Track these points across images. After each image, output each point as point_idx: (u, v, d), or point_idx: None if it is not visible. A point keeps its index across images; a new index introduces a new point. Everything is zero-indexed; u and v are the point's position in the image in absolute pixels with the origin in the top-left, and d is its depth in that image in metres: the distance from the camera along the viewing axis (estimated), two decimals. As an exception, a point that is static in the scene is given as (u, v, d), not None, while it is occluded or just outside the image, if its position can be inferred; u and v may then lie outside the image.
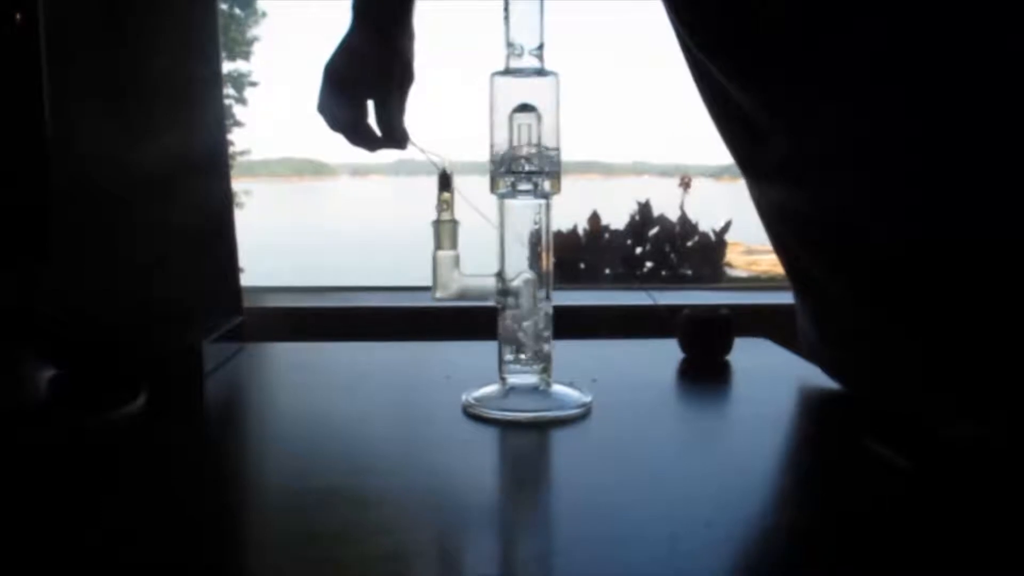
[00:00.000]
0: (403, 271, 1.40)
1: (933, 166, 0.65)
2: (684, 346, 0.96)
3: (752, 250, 1.91)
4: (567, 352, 0.78)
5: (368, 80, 0.81)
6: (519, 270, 0.74)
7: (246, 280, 1.10)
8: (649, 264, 1.63)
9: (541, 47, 0.72)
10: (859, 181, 0.69)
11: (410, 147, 0.82)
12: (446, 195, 0.75)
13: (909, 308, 0.70)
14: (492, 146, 0.74)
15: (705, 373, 0.92)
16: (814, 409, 0.84)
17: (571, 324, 0.82)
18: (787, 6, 0.68)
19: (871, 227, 0.70)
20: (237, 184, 1.13)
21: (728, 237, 1.66)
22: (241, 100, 1.76)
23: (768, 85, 0.72)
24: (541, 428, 0.72)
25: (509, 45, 0.72)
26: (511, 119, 0.72)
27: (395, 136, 0.82)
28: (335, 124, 0.83)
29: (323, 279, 1.39)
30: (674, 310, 0.98)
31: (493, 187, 0.74)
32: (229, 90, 1.69)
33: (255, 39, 1.80)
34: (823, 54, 0.67)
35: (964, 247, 0.65)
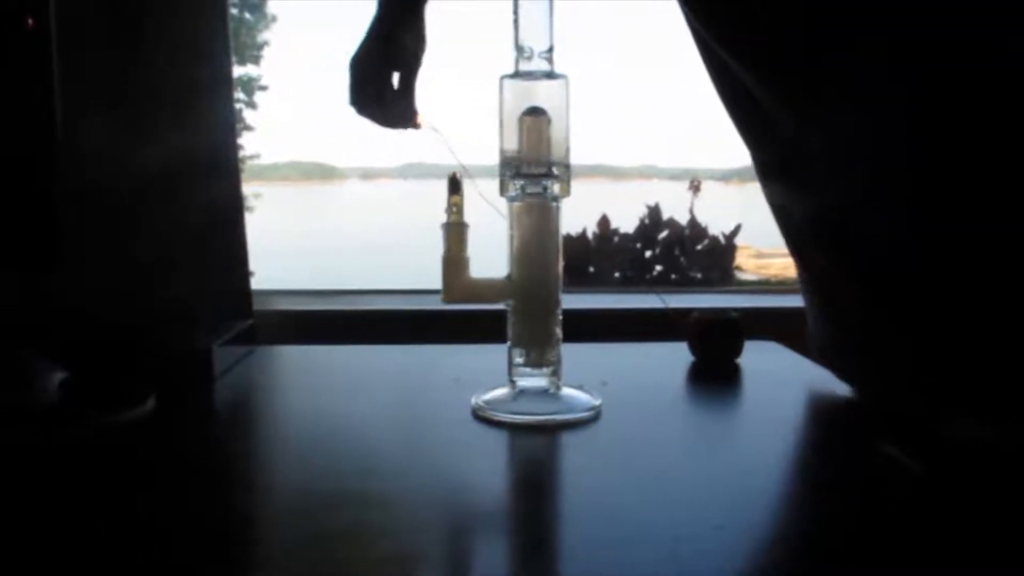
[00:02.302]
0: (413, 274, 1.40)
1: (935, 164, 0.65)
2: (693, 349, 0.96)
3: (762, 254, 1.91)
4: (576, 355, 0.78)
5: (388, 57, 0.84)
6: (528, 273, 0.74)
7: (256, 284, 1.10)
8: (658, 267, 1.63)
9: (550, 50, 0.72)
10: (865, 176, 0.69)
11: (429, 131, 0.83)
12: (456, 198, 0.75)
13: (904, 305, 0.70)
14: (501, 149, 0.74)
15: (714, 376, 0.92)
16: (824, 412, 0.84)
17: (581, 327, 0.82)
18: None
19: (873, 223, 0.70)
20: (247, 188, 1.13)
21: (738, 241, 1.66)
22: (251, 104, 1.77)
23: (780, 77, 0.72)
24: (550, 431, 0.72)
25: (518, 48, 0.72)
26: (520, 122, 0.72)
27: (407, 115, 0.84)
28: (363, 107, 0.85)
29: (333, 282, 1.39)
30: (683, 313, 0.97)
31: (502, 190, 0.74)
32: (239, 94, 1.69)
33: (265, 43, 1.81)
34: (827, 53, 0.68)
35: (962, 245, 0.65)
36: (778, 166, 0.78)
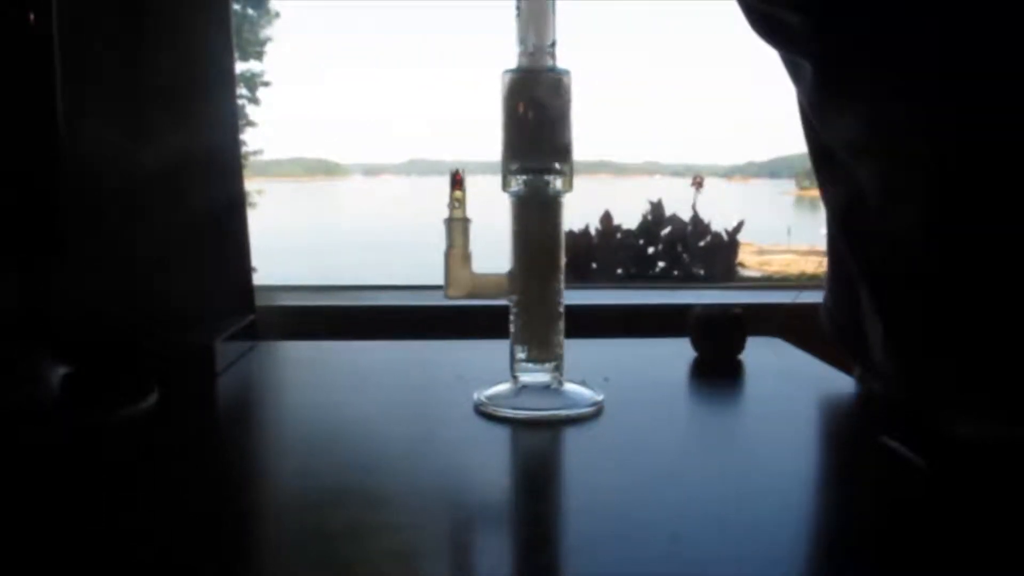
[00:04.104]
0: (416, 269, 1.40)
1: (948, 164, 0.65)
2: (696, 345, 0.95)
3: (764, 250, 1.90)
4: (579, 351, 0.78)
5: None
6: (531, 269, 0.74)
7: (258, 280, 1.10)
8: (661, 264, 1.63)
9: (553, 44, 0.72)
10: (880, 174, 0.69)
11: None
12: (458, 193, 0.75)
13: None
14: (504, 144, 0.73)
15: (717, 372, 0.92)
16: (828, 408, 0.84)
17: (583, 323, 0.82)
18: None
19: (883, 222, 0.70)
20: (249, 184, 1.13)
21: (740, 237, 1.65)
22: (254, 100, 1.76)
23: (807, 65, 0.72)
24: (553, 427, 0.72)
25: (521, 42, 0.72)
26: (523, 117, 0.72)
27: None
28: None
29: (335, 278, 1.39)
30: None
31: (505, 185, 0.74)
32: (242, 90, 1.69)
33: (268, 39, 1.81)
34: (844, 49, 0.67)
35: (973, 245, 0.65)
36: (818, 156, 0.78)
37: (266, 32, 1.81)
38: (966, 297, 0.66)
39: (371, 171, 2.32)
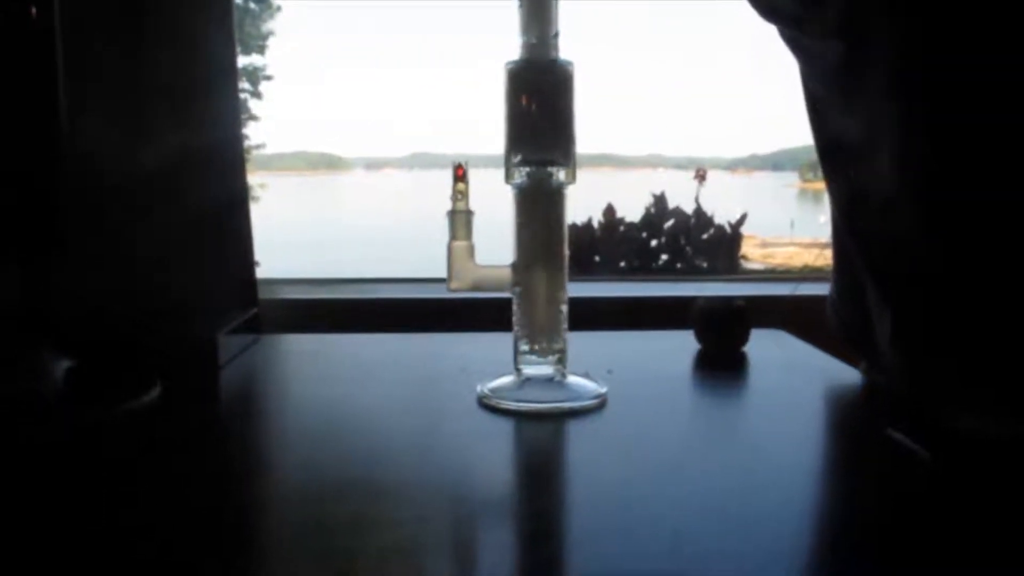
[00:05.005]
0: (419, 262, 1.40)
1: (945, 163, 0.65)
2: (699, 337, 0.95)
3: (767, 243, 1.90)
4: (582, 343, 0.78)
5: None
6: (534, 261, 0.74)
7: (261, 274, 1.10)
8: (664, 256, 1.63)
9: (556, 36, 0.72)
10: (888, 172, 0.69)
11: None
12: (461, 186, 0.75)
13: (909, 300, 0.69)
14: (507, 136, 0.73)
15: (721, 364, 0.92)
16: (832, 401, 0.84)
17: (586, 316, 0.82)
18: None
19: (885, 220, 0.70)
20: (252, 178, 1.13)
21: (743, 230, 1.65)
22: (256, 94, 1.76)
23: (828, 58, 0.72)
24: (556, 419, 0.72)
25: (524, 34, 0.72)
26: (526, 109, 0.72)
27: None
28: None
29: (338, 271, 1.39)
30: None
31: (507, 178, 0.74)
32: (244, 84, 1.69)
33: (270, 33, 1.81)
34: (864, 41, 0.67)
35: (970, 246, 0.65)
36: (823, 152, 0.78)
37: (268, 26, 1.81)
38: (968, 295, 0.66)
39: (373, 165, 2.32)
